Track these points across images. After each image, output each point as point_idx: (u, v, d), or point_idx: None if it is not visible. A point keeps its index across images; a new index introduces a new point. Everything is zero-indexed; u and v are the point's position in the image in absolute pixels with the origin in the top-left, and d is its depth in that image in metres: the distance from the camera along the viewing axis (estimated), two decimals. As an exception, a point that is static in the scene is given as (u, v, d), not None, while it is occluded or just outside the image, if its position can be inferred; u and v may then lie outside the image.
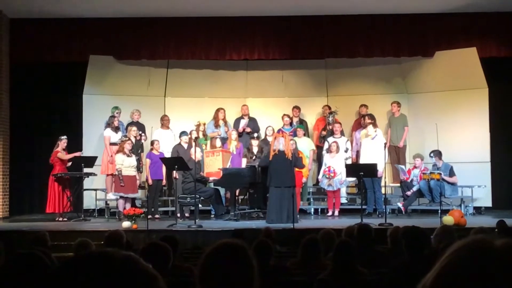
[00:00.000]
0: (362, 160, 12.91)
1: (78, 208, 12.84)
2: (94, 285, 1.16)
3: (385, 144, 12.54)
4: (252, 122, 14.39)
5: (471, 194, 13.33)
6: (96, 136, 13.94)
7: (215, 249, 2.34)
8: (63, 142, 12.80)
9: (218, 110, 14.24)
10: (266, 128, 13.96)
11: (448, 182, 12.78)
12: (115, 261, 1.21)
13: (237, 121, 14.38)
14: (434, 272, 1.19)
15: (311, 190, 14.36)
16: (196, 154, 12.12)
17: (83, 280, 1.17)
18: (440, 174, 12.66)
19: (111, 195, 13.00)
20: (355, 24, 14.21)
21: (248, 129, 14.15)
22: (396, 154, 14.22)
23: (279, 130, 13.75)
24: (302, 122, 14.49)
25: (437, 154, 13.01)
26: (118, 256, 1.22)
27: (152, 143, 13.20)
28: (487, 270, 1.12)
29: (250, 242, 5.28)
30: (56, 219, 12.52)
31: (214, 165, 12.85)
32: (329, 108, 14.56)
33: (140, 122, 13.92)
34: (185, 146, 13.15)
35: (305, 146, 13.51)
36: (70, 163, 12.86)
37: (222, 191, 13.21)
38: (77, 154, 12.91)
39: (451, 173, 12.83)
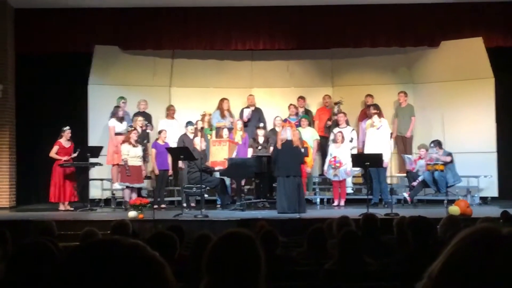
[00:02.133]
0: (367, 151, 12.90)
1: (84, 198, 12.90)
2: (102, 272, 1.17)
3: (391, 134, 12.52)
4: (257, 112, 14.38)
5: (477, 184, 13.32)
6: (102, 126, 13.96)
7: (223, 238, 2.35)
8: (66, 133, 12.82)
9: (222, 100, 14.24)
10: (275, 118, 13.94)
11: (451, 166, 12.76)
12: (123, 248, 1.22)
13: (242, 111, 14.37)
14: (441, 260, 1.19)
15: (316, 180, 14.37)
16: (200, 144, 12.12)
17: (91, 266, 1.18)
18: (444, 164, 12.64)
19: (117, 185, 13.03)
20: (361, 13, 14.16)
21: (245, 119, 14.11)
22: (403, 144, 14.20)
23: (285, 120, 13.77)
24: (307, 112, 14.47)
25: (437, 143, 12.99)
26: (125, 243, 1.23)
27: (159, 132, 13.23)
28: (494, 258, 1.13)
29: (255, 232, 5.30)
30: (59, 208, 12.58)
31: (219, 155, 12.87)
32: (330, 97, 14.56)
33: (146, 112, 13.93)
34: (191, 136, 13.17)
35: (309, 136, 13.50)
36: (76, 154, 12.90)
37: (228, 181, 13.23)
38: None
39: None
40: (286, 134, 11.64)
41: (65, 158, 12.65)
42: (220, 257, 2.27)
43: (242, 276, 2.24)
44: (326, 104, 14.59)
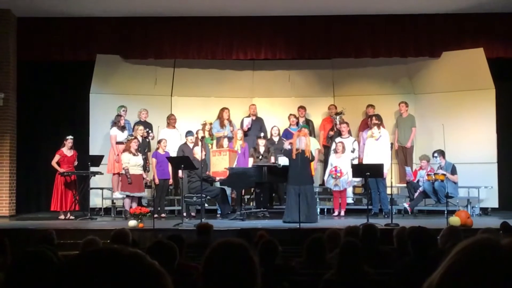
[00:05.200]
0: (366, 161, 12.90)
1: (85, 207, 12.88)
2: (102, 281, 1.17)
3: (392, 144, 12.51)
4: (259, 121, 14.39)
5: (478, 195, 13.30)
6: (103, 135, 13.98)
7: (216, 247, 2.36)
8: (68, 141, 12.84)
9: (222, 109, 14.25)
10: (272, 128, 13.99)
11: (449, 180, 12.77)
12: (122, 257, 1.22)
13: (243, 121, 14.38)
14: (440, 271, 1.19)
15: (317, 190, 14.33)
16: (200, 153, 12.11)
17: (90, 275, 1.18)
18: (445, 174, 12.64)
19: (117, 194, 13.04)
20: (362, 24, 14.19)
21: (245, 128, 14.13)
22: (404, 154, 14.20)
23: (285, 130, 13.81)
24: (308, 122, 14.46)
25: (440, 153, 12.98)
26: (125, 252, 1.23)
27: (159, 141, 13.23)
28: (493, 269, 1.13)
29: (255, 242, 5.29)
30: (59, 217, 12.58)
31: (220, 165, 12.87)
32: (335, 107, 14.56)
33: (147, 121, 13.94)
34: (191, 145, 13.17)
35: (311, 145, 13.48)
36: (76, 163, 12.93)
37: (228, 190, 13.22)
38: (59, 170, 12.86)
39: (453, 171, 12.81)
40: (301, 144, 11.62)
41: (62, 170, 12.63)
42: (214, 267, 2.27)
43: (237, 285, 2.24)
44: (331, 114, 14.58)
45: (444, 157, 12.95)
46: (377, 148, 12.72)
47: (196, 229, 7.88)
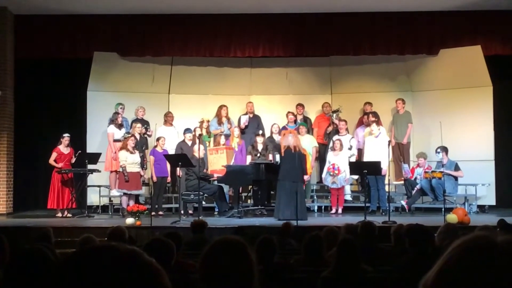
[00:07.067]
0: (366, 158, 12.90)
1: (82, 205, 12.89)
2: (98, 278, 1.17)
3: (389, 142, 12.51)
4: (256, 119, 14.38)
5: (475, 192, 13.32)
6: (100, 133, 13.97)
7: (214, 245, 2.36)
8: (65, 139, 12.84)
9: (220, 107, 14.25)
10: (272, 125, 13.97)
11: (455, 177, 12.78)
12: (119, 255, 1.22)
13: (240, 118, 14.36)
14: (436, 268, 1.19)
15: (314, 188, 14.35)
16: (199, 151, 12.11)
17: (87, 273, 1.18)
18: (442, 172, 12.66)
19: (114, 192, 13.03)
20: (360, 21, 14.18)
21: (243, 126, 14.12)
22: (400, 151, 14.20)
23: (283, 128, 13.78)
24: (306, 120, 14.46)
25: (444, 149, 13.00)
26: (122, 249, 1.23)
27: (157, 139, 13.22)
28: (488, 266, 1.13)
29: (253, 239, 5.29)
30: (56, 215, 12.57)
31: (218, 163, 12.86)
32: (330, 105, 14.55)
33: (144, 119, 13.93)
34: (189, 143, 13.17)
35: (308, 143, 13.48)
36: (74, 160, 12.93)
37: (225, 188, 13.22)
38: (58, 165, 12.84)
39: (457, 168, 12.84)
40: (287, 141, 11.65)
41: (60, 165, 12.64)
42: (212, 265, 2.28)
43: (235, 282, 2.25)
44: (326, 112, 14.57)
45: (447, 153, 12.97)
46: (377, 146, 12.73)
47: (190, 227, 7.89)
